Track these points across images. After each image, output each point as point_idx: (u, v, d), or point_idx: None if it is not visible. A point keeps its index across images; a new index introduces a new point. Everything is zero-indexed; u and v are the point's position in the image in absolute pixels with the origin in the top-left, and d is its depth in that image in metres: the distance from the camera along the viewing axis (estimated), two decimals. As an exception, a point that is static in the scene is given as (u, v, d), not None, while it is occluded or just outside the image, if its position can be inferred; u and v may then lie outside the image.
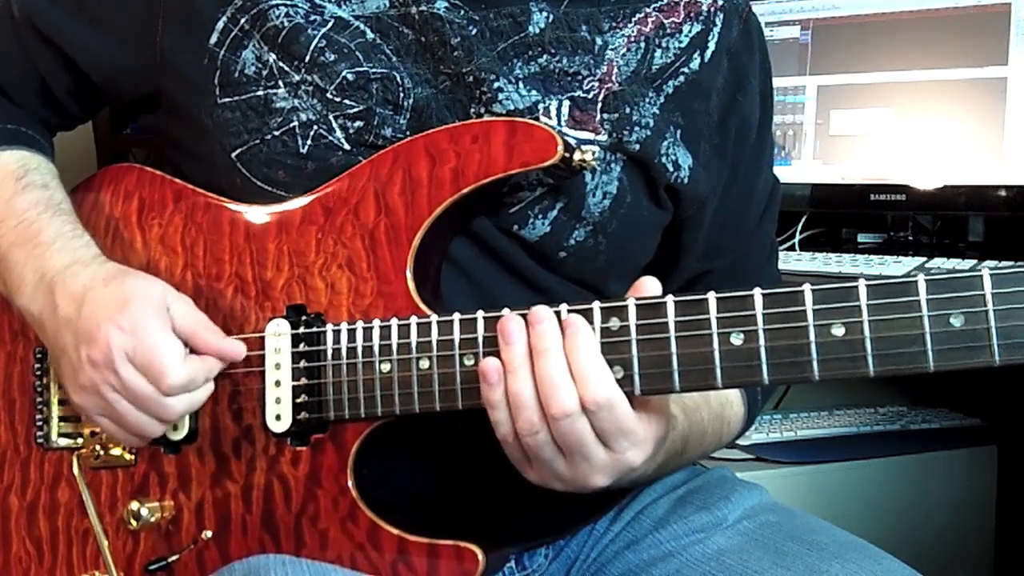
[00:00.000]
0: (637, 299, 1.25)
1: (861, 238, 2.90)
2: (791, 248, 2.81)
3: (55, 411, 1.57)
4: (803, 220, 2.89)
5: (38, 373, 1.58)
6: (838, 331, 1.15)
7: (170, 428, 1.46)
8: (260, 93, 1.49)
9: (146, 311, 1.39)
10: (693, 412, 1.47)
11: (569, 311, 1.27)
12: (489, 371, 1.27)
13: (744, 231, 1.67)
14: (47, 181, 1.57)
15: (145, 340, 1.38)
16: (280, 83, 1.48)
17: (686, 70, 1.55)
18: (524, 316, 1.28)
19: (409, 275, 1.39)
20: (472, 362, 1.31)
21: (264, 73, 1.49)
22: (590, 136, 1.47)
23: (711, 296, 1.21)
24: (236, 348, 1.44)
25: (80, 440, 1.55)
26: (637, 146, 1.50)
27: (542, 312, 1.27)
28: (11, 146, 1.60)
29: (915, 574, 1.46)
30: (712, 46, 1.57)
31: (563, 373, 1.24)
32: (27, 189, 1.54)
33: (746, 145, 1.63)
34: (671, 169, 1.53)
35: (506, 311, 1.30)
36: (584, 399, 1.23)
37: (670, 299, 1.23)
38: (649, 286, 1.29)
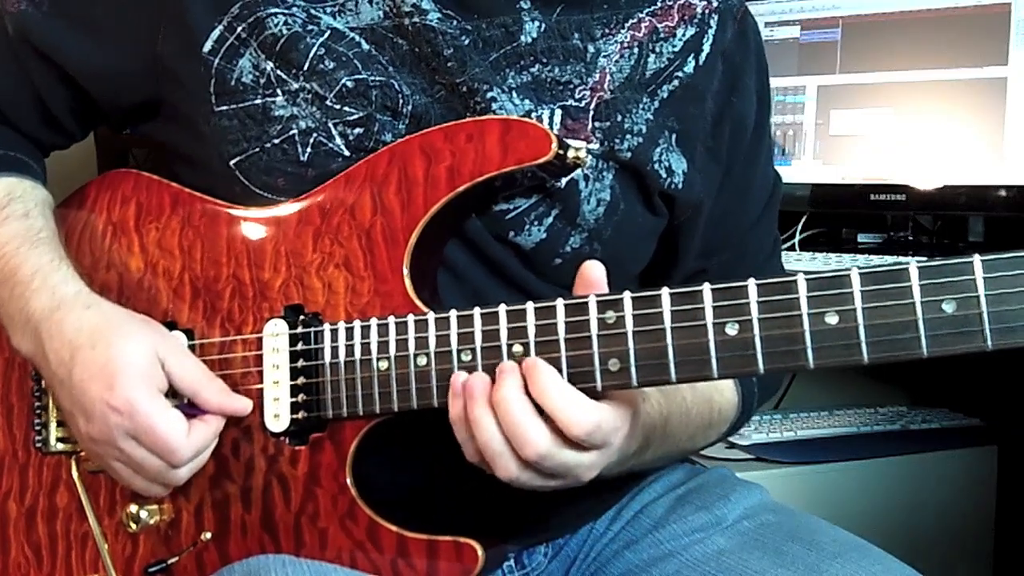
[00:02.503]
0: (632, 292, 1.25)
1: (861, 238, 2.90)
2: (791, 248, 2.81)
3: (53, 416, 1.56)
4: (803, 220, 2.90)
5: (36, 378, 1.58)
6: (832, 319, 1.15)
7: None
8: (258, 101, 1.49)
9: (136, 384, 1.37)
10: (673, 393, 1.46)
11: (567, 303, 1.28)
12: (455, 382, 1.29)
13: (740, 229, 1.67)
14: (28, 209, 1.55)
15: (142, 421, 1.37)
16: (278, 91, 1.48)
17: (680, 74, 1.55)
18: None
19: (406, 273, 1.40)
20: (469, 358, 1.31)
21: (262, 81, 1.49)
22: (582, 145, 1.47)
23: (706, 287, 1.21)
24: (242, 405, 1.44)
25: (78, 444, 1.54)
26: (629, 154, 1.51)
27: (504, 364, 1.28)
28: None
29: (915, 574, 1.46)
30: (707, 49, 1.57)
31: (527, 416, 1.25)
32: (7, 221, 1.52)
33: (740, 145, 1.63)
34: (664, 176, 1.53)
35: (502, 307, 1.30)
36: (572, 434, 1.24)
37: (665, 291, 1.23)
38: (594, 270, 1.30)
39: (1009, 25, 2.55)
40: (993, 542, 2.59)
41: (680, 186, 1.54)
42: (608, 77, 1.51)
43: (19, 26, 1.59)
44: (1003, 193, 2.56)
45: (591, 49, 1.52)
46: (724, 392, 1.60)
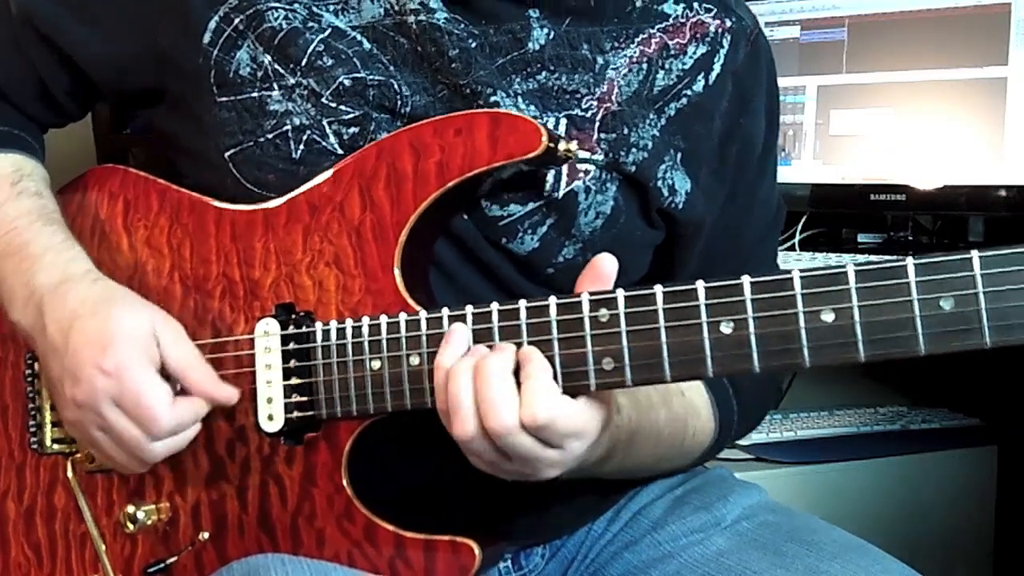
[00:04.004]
0: (626, 290, 1.24)
1: (861, 238, 2.90)
2: (791, 248, 2.81)
3: (48, 416, 1.57)
4: (803, 220, 2.89)
5: (30, 379, 1.58)
6: (828, 316, 1.15)
7: None
8: (255, 95, 1.48)
9: (130, 351, 1.38)
10: (647, 410, 1.44)
11: (559, 302, 1.27)
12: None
13: (739, 251, 1.64)
14: (40, 189, 1.57)
15: (129, 385, 1.37)
16: (275, 85, 1.48)
17: (689, 92, 1.54)
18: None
19: (397, 271, 1.39)
20: None
21: (259, 75, 1.48)
22: (586, 155, 1.46)
23: (700, 285, 1.20)
24: (228, 393, 1.43)
25: (74, 445, 1.54)
26: (633, 168, 1.49)
27: (500, 343, 1.28)
28: (6, 149, 1.60)
29: (915, 574, 1.46)
30: (717, 68, 1.56)
31: (503, 391, 1.23)
32: (21, 196, 1.54)
33: (746, 168, 1.61)
34: (666, 194, 1.51)
35: (494, 305, 1.30)
36: (523, 419, 1.22)
37: (659, 289, 1.22)
38: (605, 264, 1.30)
39: (1009, 25, 2.55)
40: (993, 542, 2.59)
41: (681, 206, 1.52)
42: (616, 89, 1.50)
43: (23, 8, 1.60)
44: (1003, 193, 2.56)
45: (600, 60, 1.50)
46: (701, 417, 1.56)
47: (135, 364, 1.37)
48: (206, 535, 1.48)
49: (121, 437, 1.39)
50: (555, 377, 1.25)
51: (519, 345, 1.28)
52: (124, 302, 1.43)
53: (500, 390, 1.23)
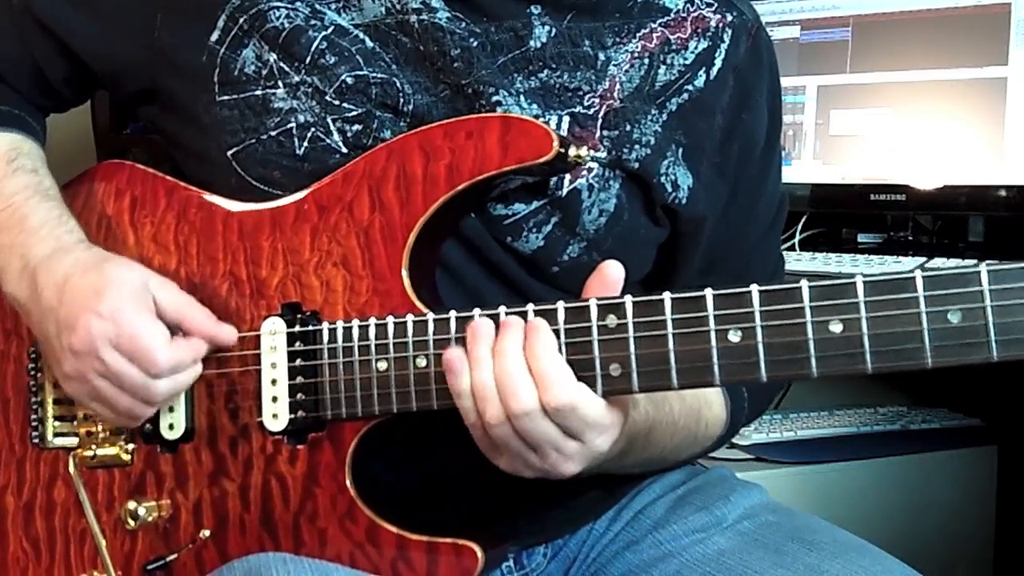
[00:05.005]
0: (634, 297, 1.25)
1: (861, 238, 2.89)
2: (791, 248, 2.80)
3: (50, 410, 1.57)
4: (803, 220, 2.88)
5: (33, 372, 1.58)
6: (836, 328, 1.15)
7: (166, 427, 1.47)
8: (259, 92, 1.49)
9: (124, 296, 1.39)
10: (661, 402, 1.45)
11: (568, 307, 1.27)
12: (453, 360, 1.27)
13: (743, 248, 1.65)
14: (37, 166, 1.58)
15: (126, 326, 1.38)
16: (279, 83, 1.48)
17: (690, 88, 1.54)
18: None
19: (405, 273, 1.39)
20: None
21: (264, 72, 1.49)
22: (592, 153, 1.46)
23: (708, 293, 1.21)
24: (227, 332, 1.45)
25: (76, 439, 1.55)
26: (636, 164, 1.49)
27: (509, 318, 1.28)
28: (4, 128, 1.60)
29: (915, 574, 1.46)
30: (718, 63, 1.56)
31: (520, 372, 1.24)
32: (17, 173, 1.55)
33: (749, 164, 1.61)
34: (670, 189, 1.52)
35: (502, 309, 1.30)
36: (544, 403, 1.23)
37: (667, 296, 1.23)
38: (612, 271, 1.30)
39: (1009, 25, 2.54)
40: (993, 542, 2.59)
41: (684, 201, 1.53)
42: (618, 86, 1.50)
43: None
44: (1003, 193, 2.55)
45: (601, 57, 1.50)
46: (713, 407, 1.58)
47: (129, 306, 1.39)
48: (207, 533, 1.48)
49: (122, 380, 1.40)
50: None
51: (524, 316, 1.29)
52: (117, 261, 1.46)
53: (516, 372, 1.24)
